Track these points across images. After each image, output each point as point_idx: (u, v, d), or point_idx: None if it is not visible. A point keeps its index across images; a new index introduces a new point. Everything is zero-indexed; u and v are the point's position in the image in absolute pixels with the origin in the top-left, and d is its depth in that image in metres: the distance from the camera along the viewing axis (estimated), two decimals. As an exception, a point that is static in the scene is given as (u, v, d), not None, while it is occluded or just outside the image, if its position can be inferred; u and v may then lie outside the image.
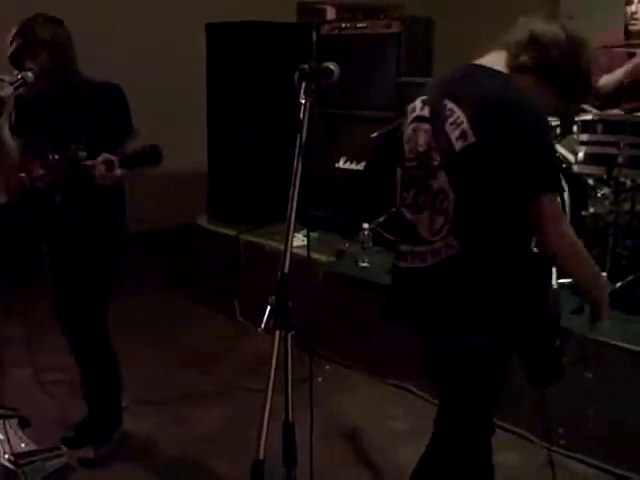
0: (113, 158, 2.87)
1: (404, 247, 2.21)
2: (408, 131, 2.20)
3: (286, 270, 1.90)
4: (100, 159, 2.90)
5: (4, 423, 3.12)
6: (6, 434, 3.08)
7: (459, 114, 2.03)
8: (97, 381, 3.43)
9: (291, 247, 1.92)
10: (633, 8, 4.23)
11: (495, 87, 2.06)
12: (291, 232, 1.94)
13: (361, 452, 3.47)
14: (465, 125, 2.01)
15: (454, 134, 2.03)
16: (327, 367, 4.27)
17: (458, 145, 2.02)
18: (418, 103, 2.18)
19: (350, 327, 4.33)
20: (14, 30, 3.01)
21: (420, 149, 2.12)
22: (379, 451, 3.47)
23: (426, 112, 2.12)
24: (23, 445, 3.12)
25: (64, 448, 3.25)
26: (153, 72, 6.15)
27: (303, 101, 1.96)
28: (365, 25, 4.98)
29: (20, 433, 3.18)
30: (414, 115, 2.18)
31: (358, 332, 4.30)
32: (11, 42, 3.00)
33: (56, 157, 3.01)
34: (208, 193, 5.73)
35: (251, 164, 5.38)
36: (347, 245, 4.62)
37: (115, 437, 3.44)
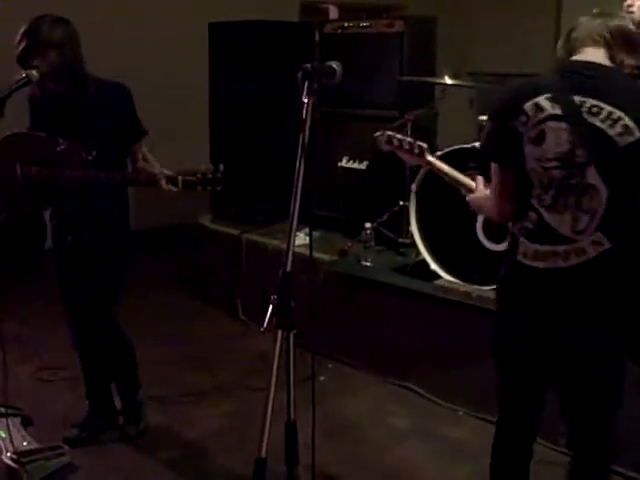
0: (177, 177, 2.94)
1: (542, 247, 2.11)
2: (538, 130, 2.06)
3: (288, 269, 1.91)
4: (157, 171, 2.99)
5: (7, 421, 3.13)
6: (9, 432, 3.08)
7: (610, 109, 2.00)
8: (117, 360, 3.51)
9: (293, 246, 1.93)
10: (629, 1, 4.14)
11: (633, 84, 2.10)
12: (293, 231, 1.95)
13: (363, 450, 3.47)
14: (627, 121, 1.99)
15: (613, 130, 1.99)
16: (329, 366, 4.27)
17: (622, 141, 1.99)
18: (544, 102, 2.05)
19: (352, 326, 4.33)
20: (22, 30, 2.96)
21: (562, 149, 2.04)
22: (381, 449, 3.47)
23: (558, 110, 2.04)
24: (25, 443, 3.13)
25: (66, 447, 3.25)
26: (155, 71, 6.14)
27: (306, 100, 1.96)
28: (368, 24, 4.96)
29: (23, 432, 3.19)
30: (546, 114, 2.05)
31: (360, 331, 4.30)
32: (19, 42, 2.96)
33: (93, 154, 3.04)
34: (210, 192, 5.71)
35: (254, 163, 5.38)
36: (349, 244, 4.61)
37: (140, 399, 3.58)
